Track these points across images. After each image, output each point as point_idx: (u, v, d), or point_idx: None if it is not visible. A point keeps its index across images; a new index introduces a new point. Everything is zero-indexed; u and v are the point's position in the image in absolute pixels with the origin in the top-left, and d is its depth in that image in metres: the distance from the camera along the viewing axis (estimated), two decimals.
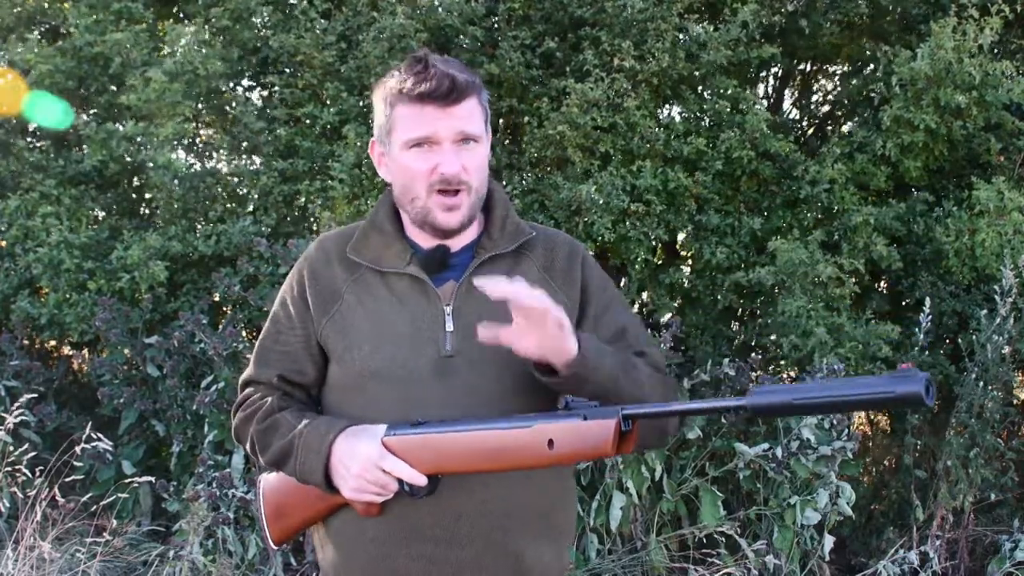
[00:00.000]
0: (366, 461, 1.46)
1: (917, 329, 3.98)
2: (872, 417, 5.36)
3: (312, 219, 4.60)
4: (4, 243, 4.54)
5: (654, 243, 4.35)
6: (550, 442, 1.38)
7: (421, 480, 1.46)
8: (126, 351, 4.13)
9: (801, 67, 5.37)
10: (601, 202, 3.99)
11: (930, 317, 3.96)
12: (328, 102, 4.38)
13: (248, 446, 1.64)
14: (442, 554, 1.51)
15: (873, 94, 4.42)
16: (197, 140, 5.09)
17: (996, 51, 4.33)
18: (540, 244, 1.65)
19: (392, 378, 1.52)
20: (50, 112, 4.55)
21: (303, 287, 1.63)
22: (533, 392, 1.51)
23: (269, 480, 1.65)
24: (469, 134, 1.53)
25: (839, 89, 5.30)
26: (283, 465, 1.57)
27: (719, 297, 4.27)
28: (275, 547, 1.63)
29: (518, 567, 1.54)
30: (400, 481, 1.48)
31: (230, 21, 4.49)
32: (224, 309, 4.53)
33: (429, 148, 1.52)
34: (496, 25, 4.60)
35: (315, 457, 1.50)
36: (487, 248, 1.60)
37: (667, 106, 4.74)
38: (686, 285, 4.40)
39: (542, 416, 1.42)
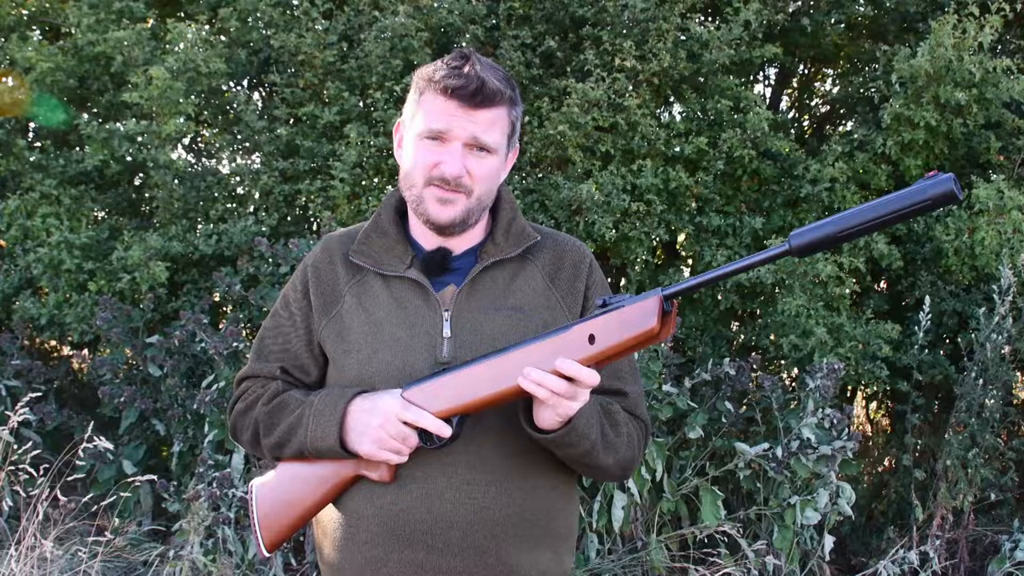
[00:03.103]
0: (387, 413, 1.46)
1: (916, 328, 3.98)
2: (872, 417, 5.37)
3: (313, 219, 4.60)
4: (4, 243, 4.54)
5: (655, 243, 4.36)
6: (591, 338, 1.36)
7: (445, 430, 1.45)
8: (127, 351, 4.13)
9: (801, 66, 5.37)
10: (602, 202, 3.99)
11: (929, 316, 3.96)
12: (329, 101, 4.38)
13: (248, 434, 1.62)
14: (433, 561, 1.50)
15: (873, 92, 4.42)
16: (198, 139, 5.10)
17: (996, 49, 4.34)
18: (548, 249, 1.64)
19: (389, 383, 1.52)
20: (51, 112, 4.56)
21: (306, 286, 1.63)
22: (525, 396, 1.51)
23: (263, 482, 1.63)
24: (482, 142, 1.51)
25: (839, 88, 5.29)
26: (289, 442, 1.55)
27: (719, 297, 4.27)
28: (267, 554, 1.62)
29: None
30: (421, 435, 1.47)
31: (238, 22, 4.49)
32: (225, 309, 4.53)
33: (440, 143, 1.51)
34: (497, 24, 4.60)
35: (329, 420, 1.49)
36: (491, 253, 1.60)
37: (667, 105, 4.75)
38: None
39: (580, 319, 1.40)
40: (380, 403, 1.47)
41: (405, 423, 1.46)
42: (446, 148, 1.51)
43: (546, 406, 1.41)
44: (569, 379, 1.37)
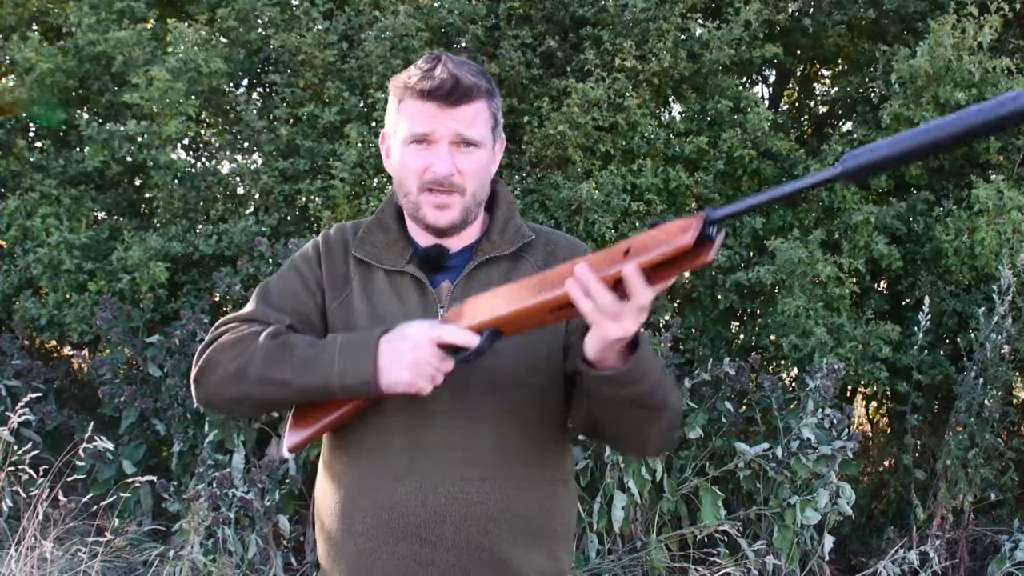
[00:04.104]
0: (417, 338, 1.41)
1: (916, 328, 3.98)
2: (872, 417, 5.36)
3: (313, 219, 4.60)
4: (4, 243, 4.54)
5: None
6: (627, 251, 1.27)
7: (471, 340, 1.41)
8: (127, 350, 4.13)
9: (801, 66, 5.38)
10: (602, 201, 4.00)
11: (929, 316, 3.96)
12: (329, 101, 4.38)
13: (233, 366, 1.49)
14: (427, 555, 1.50)
15: (873, 92, 4.42)
16: (198, 139, 5.10)
17: (996, 49, 4.34)
18: (541, 247, 1.65)
19: None
20: (48, 112, 4.56)
21: (319, 260, 1.63)
22: (523, 392, 1.53)
23: None
24: (467, 137, 1.52)
25: (838, 88, 5.30)
26: (303, 376, 1.45)
27: (719, 297, 4.27)
28: (287, 454, 1.56)
29: (504, 572, 1.54)
30: (456, 352, 1.43)
31: (236, 22, 4.49)
32: (225, 309, 4.53)
33: (427, 146, 1.52)
34: (497, 24, 4.60)
35: (362, 353, 1.43)
36: (485, 250, 1.61)
37: (667, 105, 4.75)
38: (686, 285, 4.40)
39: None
40: (409, 330, 1.44)
41: (438, 345, 1.42)
42: (433, 150, 1.52)
43: (592, 327, 1.31)
44: (616, 290, 1.26)
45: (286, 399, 1.51)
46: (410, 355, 1.42)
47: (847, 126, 5.11)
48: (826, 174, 1.14)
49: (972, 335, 4.03)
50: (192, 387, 1.56)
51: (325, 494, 1.61)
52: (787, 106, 5.62)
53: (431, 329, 1.42)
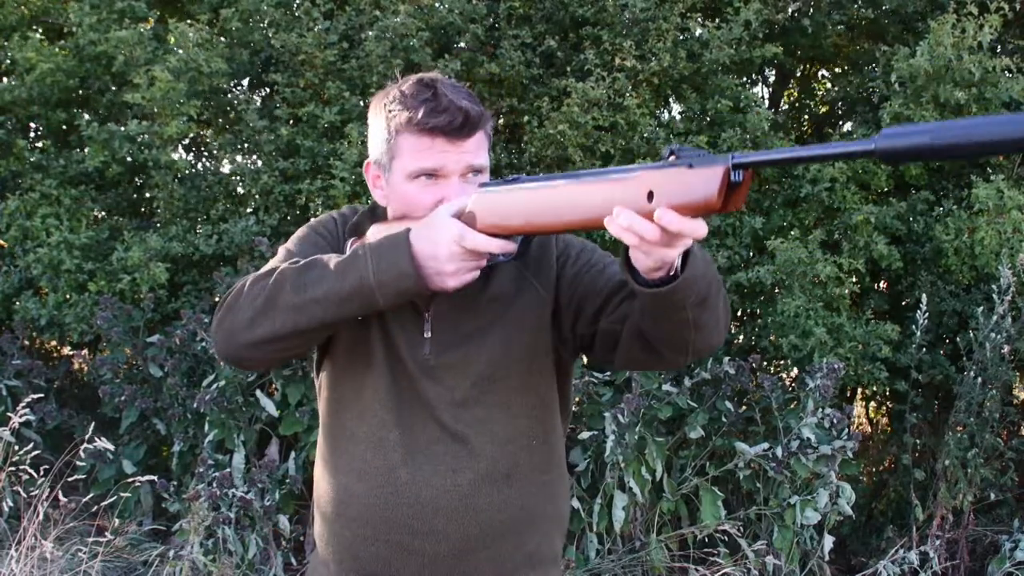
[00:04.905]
0: (449, 243, 1.37)
1: (915, 327, 3.98)
2: (872, 417, 5.37)
3: (313, 218, 4.59)
4: (4, 243, 4.54)
5: None
6: (650, 194, 1.22)
7: (510, 247, 1.39)
8: (127, 350, 4.13)
9: (801, 66, 5.38)
10: None
11: (927, 315, 3.96)
12: (330, 101, 4.38)
13: (263, 297, 1.44)
14: (417, 545, 1.52)
15: (873, 92, 4.42)
16: (199, 140, 5.09)
17: (996, 49, 4.34)
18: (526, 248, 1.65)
19: (379, 381, 1.55)
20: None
21: (337, 231, 1.62)
22: (513, 385, 1.55)
23: None
24: (476, 167, 1.50)
25: (838, 88, 5.30)
26: (337, 279, 1.39)
27: None
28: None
29: (497, 561, 1.55)
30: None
31: (240, 22, 4.49)
32: None
33: (435, 181, 1.49)
34: (497, 24, 4.61)
35: (396, 249, 1.38)
36: None
37: (667, 105, 4.75)
38: None
39: (645, 166, 1.26)
40: (439, 235, 1.38)
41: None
42: (443, 185, 1.48)
43: (639, 254, 1.25)
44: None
45: (321, 321, 1.41)
46: (450, 265, 1.38)
47: (847, 126, 5.11)
48: (858, 147, 1.09)
49: (972, 335, 4.03)
50: (214, 337, 1.50)
51: (322, 481, 1.63)
52: (787, 106, 5.62)
53: (463, 238, 1.37)
